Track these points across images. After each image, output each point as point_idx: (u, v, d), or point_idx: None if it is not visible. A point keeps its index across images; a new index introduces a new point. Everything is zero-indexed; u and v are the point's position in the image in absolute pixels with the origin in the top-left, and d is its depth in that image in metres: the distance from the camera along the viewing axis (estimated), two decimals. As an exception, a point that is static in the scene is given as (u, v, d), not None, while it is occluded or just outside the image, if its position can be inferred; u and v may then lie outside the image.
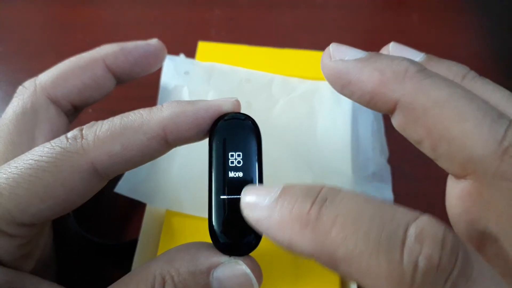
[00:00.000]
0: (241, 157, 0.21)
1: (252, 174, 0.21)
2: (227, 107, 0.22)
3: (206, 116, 0.22)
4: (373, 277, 0.15)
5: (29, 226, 0.21)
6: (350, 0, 0.51)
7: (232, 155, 0.21)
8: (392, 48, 0.23)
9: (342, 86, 0.21)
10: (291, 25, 0.48)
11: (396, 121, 0.20)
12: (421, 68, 0.19)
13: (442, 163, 0.19)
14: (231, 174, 0.21)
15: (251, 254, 0.21)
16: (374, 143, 0.35)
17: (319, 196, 0.16)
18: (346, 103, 0.34)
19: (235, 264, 0.20)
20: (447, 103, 0.18)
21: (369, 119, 0.36)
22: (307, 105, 0.35)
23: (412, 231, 0.15)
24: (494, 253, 0.18)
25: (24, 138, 0.26)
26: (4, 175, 0.21)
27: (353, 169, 0.33)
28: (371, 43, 0.46)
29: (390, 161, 0.35)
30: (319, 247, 0.16)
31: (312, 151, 0.33)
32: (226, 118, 0.22)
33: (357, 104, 0.35)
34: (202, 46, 0.38)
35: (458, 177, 0.19)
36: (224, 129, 0.21)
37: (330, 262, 0.16)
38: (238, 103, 0.22)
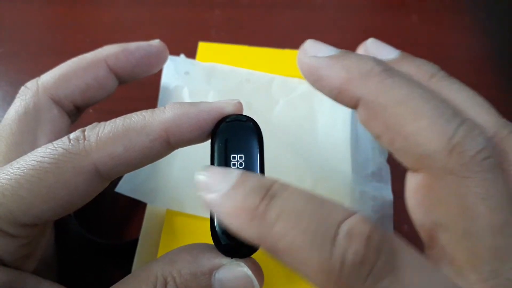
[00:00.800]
0: (243, 159, 0.21)
1: None
2: (229, 109, 0.22)
3: (208, 118, 0.22)
4: (308, 268, 0.17)
5: (31, 226, 0.21)
6: (350, 0, 0.51)
7: (234, 157, 0.21)
8: (370, 44, 0.24)
9: (314, 80, 0.22)
10: (291, 25, 0.49)
11: (359, 116, 0.21)
12: (385, 68, 0.20)
13: (399, 157, 0.20)
14: None
15: (252, 256, 0.21)
16: (373, 142, 0.35)
17: (269, 192, 0.18)
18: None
19: (237, 266, 0.20)
20: (405, 102, 0.19)
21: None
22: (307, 105, 0.35)
23: (343, 228, 0.16)
24: (445, 242, 0.19)
25: (26, 139, 0.26)
26: (7, 176, 0.21)
27: (353, 169, 0.33)
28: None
29: (389, 160, 0.35)
30: (263, 238, 0.17)
31: (312, 151, 0.33)
32: (228, 120, 0.22)
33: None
34: (203, 47, 0.38)
35: (413, 170, 0.20)
36: (226, 131, 0.22)
37: (272, 252, 0.17)
38: (240, 105, 0.22)
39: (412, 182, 0.20)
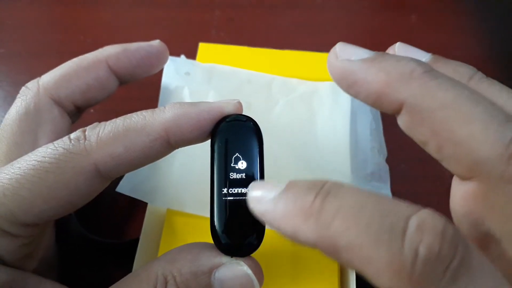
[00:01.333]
0: (243, 159, 0.21)
1: (254, 175, 0.21)
2: (229, 109, 0.22)
3: (208, 118, 0.22)
4: (374, 266, 0.15)
5: (31, 226, 0.22)
6: (350, 1, 0.51)
7: (234, 157, 0.21)
8: (398, 48, 0.23)
9: (348, 85, 0.21)
10: (291, 26, 0.49)
11: (402, 122, 0.20)
12: (427, 69, 0.19)
13: (448, 165, 0.19)
14: (233, 176, 0.21)
15: (252, 255, 0.21)
16: (372, 142, 0.35)
17: (322, 189, 0.17)
18: (345, 104, 0.35)
19: (237, 265, 0.20)
20: (453, 105, 0.18)
21: (368, 119, 0.36)
22: (306, 105, 0.35)
23: (413, 222, 0.15)
24: (497, 255, 0.18)
25: (27, 139, 0.26)
26: (7, 176, 0.21)
27: (352, 169, 0.33)
28: (370, 44, 0.46)
29: (388, 160, 0.35)
30: (321, 237, 0.16)
31: (311, 151, 0.33)
32: (228, 119, 0.22)
33: (355, 104, 0.35)
34: (203, 47, 0.38)
35: (463, 178, 0.19)
36: (226, 131, 0.22)
37: (332, 252, 0.16)
38: (240, 105, 0.23)
39: (461, 190, 0.19)
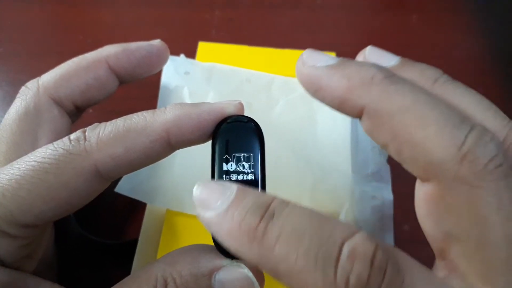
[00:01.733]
0: (244, 160, 0.21)
1: (256, 177, 0.21)
2: (230, 110, 0.22)
3: (209, 118, 0.22)
4: None
5: (31, 227, 0.21)
6: (350, 0, 0.51)
7: (235, 158, 0.21)
8: (369, 52, 0.23)
9: (314, 91, 0.21)
10: (291, 25, 0.49)
11: (364, 126, 0.20)
12: (388, 75, 0.19)
13: (407, 167, 0.20)
14: (234, 177, 0.21)
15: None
16: (373, 142, 0.35)
17: (268, 211, 0.17)
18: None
19: (237, 267, 0.20)
20: (410, 109, 0.18)
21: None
22: (307, 105, 0.35)
23: (345, 249, 0.16)
24: (458, 253, 0.18)
25: (26, 139, 0.26)
26: (7, 177, 0.21)
27: (353, 169, 0.33)
28: (370, 43, 0.46)
29: (389, 160, 0.35)
30: (263, 260, 0.17)
31: (312, 151, 0.33)
32: (229, 120, 0.22)
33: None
34: (203, 47, 0.38)
35: (422, 180, 0.19)
36: (227, 132, 0.21)
37: (273, 274, 0.17)
38: (241, 106, 0.22)
39: (422, 191, 0.20)
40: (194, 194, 0.19)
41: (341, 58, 0.21)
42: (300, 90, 0.35)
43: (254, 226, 0.17)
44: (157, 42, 0.30)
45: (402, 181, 0.35)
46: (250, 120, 0.22)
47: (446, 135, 0.18)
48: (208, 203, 0.18)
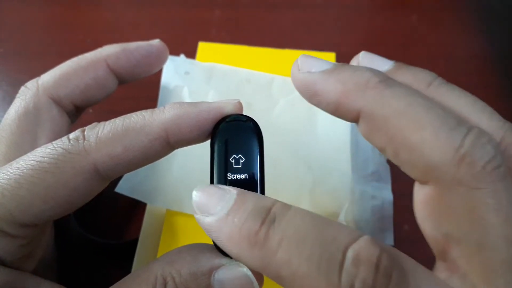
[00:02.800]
0: (243, 159, 0.21)
1: (254, 176, 0.21)
2: (229, 109, 0.22)
3: (208, 118, 0.22)
4: None
5: (30, 226, 0.21)
6: (350, 0, 0.51)
7: (234, 157, 0.21)
8: (362, 57, 0.23)
9: (310, 96, 0.21)
10: (291, 25, 0.49)
11: (360, 129, 0.21)
12: (382, 79, 0.20)
13: (405, 169, 0.20)
14: (233, 176, 0.21)
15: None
16: (373, 143, 0.35)
17: (269, 216, 0.17)
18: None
19: (236, 266, 0.20)
20: (406, 113, 0.18)
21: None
22: (307, 105, 0.34)
23: (349, 254, 0.16)
24: (458, 255, 0.18)
25: (26, 138, 0.26)
26: (6, 176, 0.21)
27: (353, 169, 0.33)
28: (371, 43, 0.47)
29: (389, 161, 0.35)
30: (265, 265, 0.17)
31: (312, 151, 0.33)
32: (228, 120, 0.22)
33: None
34: (203, 47, 0.38)
35: (421, 182, 0.19)
36: (226, 131, 0.21)
37: (275, 279, 0.17)
38: (240, 105, 0.22)
39: (420, 194, 0.20)
40: (193, 199, 0.19)
41: (336, 63, 0.21)
42: (300, 90, 0.35)
43: (255, 231, 0.17)
44: (156, 42, 0.30)
45: (402, 181, 0.35)
46: (249, 119, 0.22)
47: (443, 137, 0.18)
48: (207, 208, 0.19)
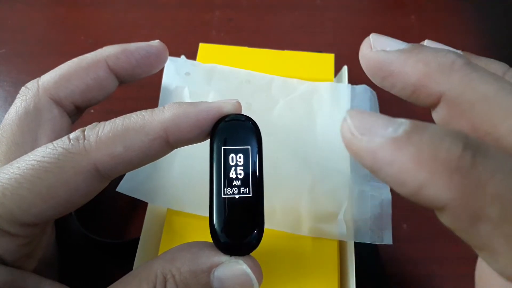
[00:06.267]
0: (241, 158, 0.21)
1: (253, 174, 0.21)
2: (228, 109, 0.22)
3: (207, 117, 0.22)
4: None
5: (31, 226, 0.22)
6: (349, 2, 0.51)
7: (232, 156, 0.21)
8: (427, 45, 0.21)
9: (383, 77, 0.20)
10: (291, 26, 0.49)
11: (439, 115, 0.19)
12: (467, 61, 0.18)
13: None
14: (232, 175, 0.21)
15: (251, 254, 0.21)
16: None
17: (469, 142, 0.15)
18: (345, 103, 0.35)
19: (236, 263, 0.21)
20: (495, 99, 0.17)
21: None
22: (306, 105, 0.35)
23: None
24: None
25: (26, 139, 0.26)
26: (7, 176, 0.21)
27: (352, 169, 0.33)
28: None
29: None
30: (465, 198, 0.14)
31: (311, 151, 0.33)
32: (227, 119, 0.22)
33: (355, 105, 0.35)
34: (203, 48, 0.38)
35: None
36: (225, 130, 0.22)
37: (472, 220, 0.14)
38: (239, 105, 0.23)
39: None
40: (344, 124, 0.16)
41: (413, 44, 0.20)
42: (300, 90, 0.35)
43: (457, 154, 0.14)
44: (156, 42, 0.30)
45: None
46: (248, 118, 0.22)
47: None
48: (371, 129, 0.15)
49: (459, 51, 0.21)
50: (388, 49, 0.19)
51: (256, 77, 0.36)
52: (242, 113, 0.23)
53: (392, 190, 0.34)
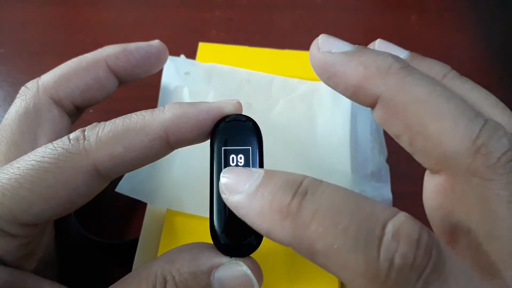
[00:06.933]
0: (242, 159, 0.21)
1: None
2: (229, 109, 0.22)
3: (207, 117, 0.22)
4: (349, 271, 0.16)
5: (31, 226, 0.21)
6: (349, 1, 0.51)
7: (233, 157, 0.21)
8: (378, 45, 0.23)
9: (328, 77, 0.21)
10: (291, 25, 0.49)
11: (377, 115, 0.20)
12: (404, 65, 0.19)
13: (419, 158, 0.20)
14: None
15: (251, 255, 0.21)
16: (373, 142, 0.35)
17: (300, 188, 0.17)
18: (345, 104, 0.35)
19: (236, 265, 0.20)
20: (426, 101, 0.18)
21: (368, 119, 0.36)
22: (306, 105, 0.35)
23: (389, 228, 0.16)
24: (465, 245, 0.18)
25: (26, 139, 0.26)
26: (7, 176, 0.21)
27: (352, 169, 0.33)
28: (370, 43, 0.47)
29: (388, 160, 0.35)
30: (298, 238, 0.16)
31: (311, 151, 0.33)
32: (227, 120, 0.22)
33: (356, 104, 0.35)
34: (203, 47, 0.38)
35: (433, 172, 0.20)
36: (226, 131, 0.22)
37: (308, 254, 0.17)
38: (239, 105, 0.22)
39: (432, 183, 0.20)
40: (221, 181, 0.19)
41: (357, 46, 0.21)
42: (300, 90, 0.35)
43: (286, 203, 0.17)
44: (156, 42, 0.30)
45: (401, 181, 0.35)
46: (248, 119, 0.22)
47: (462, 127, 0.18)
48: (235, 187, 0.18)
49: (406, 52, 0.22)
50: (334, 50, 0.21)
51: (256, 77, 0.36)
52: (242, 113, 0.23)
53: (393, 191, 0.34)
